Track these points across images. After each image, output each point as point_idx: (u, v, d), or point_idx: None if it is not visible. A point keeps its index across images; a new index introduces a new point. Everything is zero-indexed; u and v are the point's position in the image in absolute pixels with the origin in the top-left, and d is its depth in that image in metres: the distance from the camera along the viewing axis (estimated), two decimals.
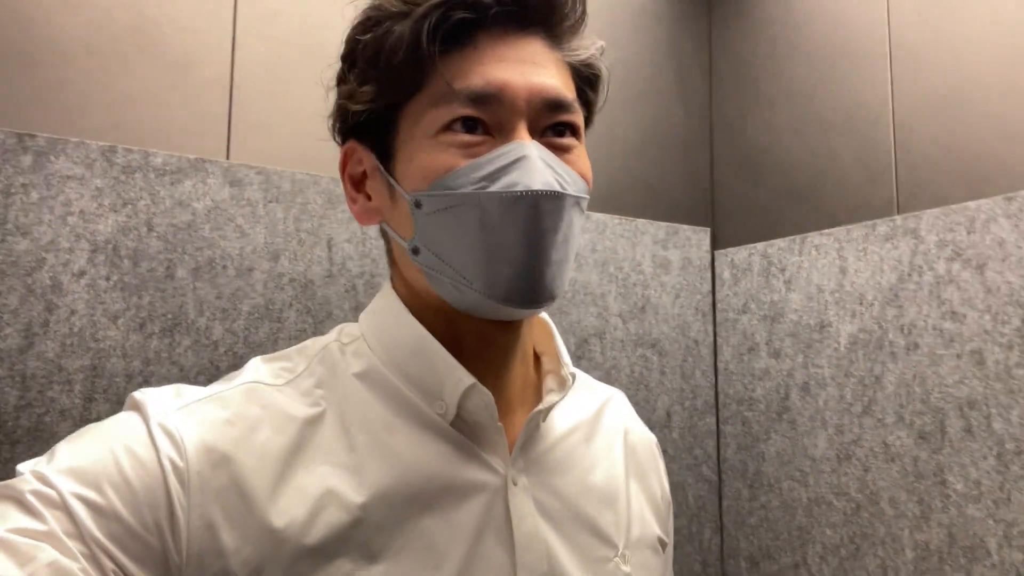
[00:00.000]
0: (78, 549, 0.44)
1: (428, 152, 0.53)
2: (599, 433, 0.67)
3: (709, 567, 1.53)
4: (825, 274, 1.41)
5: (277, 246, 1.13)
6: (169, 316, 1.04)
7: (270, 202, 1.13)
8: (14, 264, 0.96)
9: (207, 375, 1.06)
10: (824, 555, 1.37)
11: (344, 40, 0.58)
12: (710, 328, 1.61)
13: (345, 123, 0.59)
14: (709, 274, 1.62)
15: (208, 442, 0.50)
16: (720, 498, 1.57)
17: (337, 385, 0.56)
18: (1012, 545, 1.12)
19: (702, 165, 1.70)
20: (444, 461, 0.55)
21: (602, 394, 0.72)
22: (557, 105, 0.54)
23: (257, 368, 0.57)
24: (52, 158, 0.99)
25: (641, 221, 1.53)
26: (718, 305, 1.61)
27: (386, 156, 0.56)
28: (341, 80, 0.59)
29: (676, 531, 1.50)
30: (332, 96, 0.60)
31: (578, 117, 0.57)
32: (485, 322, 0.57)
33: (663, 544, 0.68)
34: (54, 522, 0.45)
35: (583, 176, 0.57)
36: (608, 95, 0.62)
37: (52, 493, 0.46)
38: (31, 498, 0.45)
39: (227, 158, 1.14)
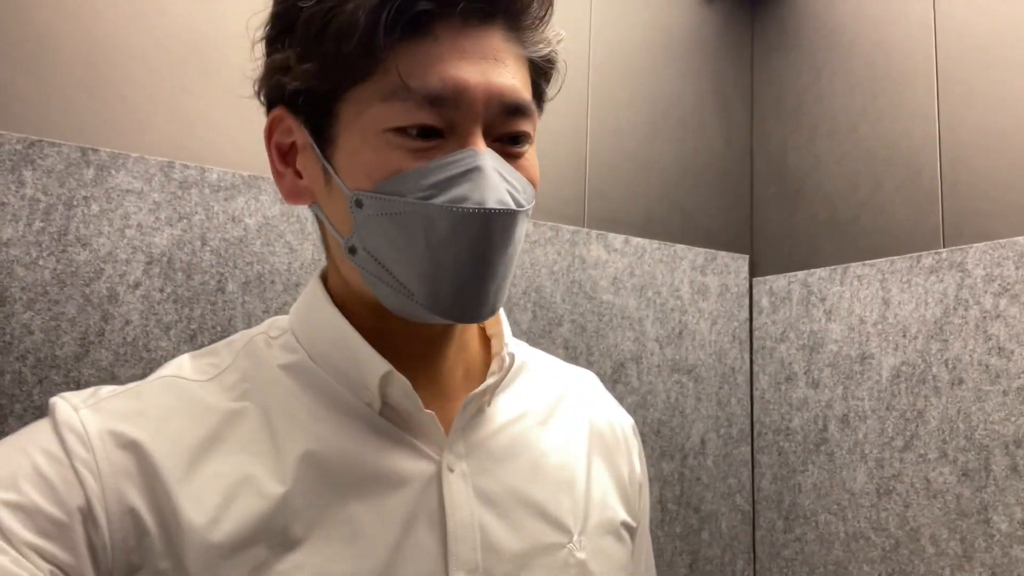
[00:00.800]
0: (9, 559, 0.43)
1: (374, 150, 0.50)
2: (556, 419, 0.64)
3: None
4: (867, 305, 1.40)
5: (324, 262, 1.15)
6: (219, 328, 1.07)
7: None
8: (74, 274, 0.99)
9: None
10: None
11: None
12: (747, 356, 1.60)
13: (275, 92, 0.54)
14: (747, 301, 1.62)
15: (114, 430, 0.49)
16: (754, 528, 1.56)
17: (262, 377, 0.55)
18: None
19: (742, 193, 1.70)
20: (372, 449, 0.53)
21: (568, 378, 0.70)
22: (515, 109, 0.52)
23: (180, 363, 0.56)
24: (113, 172, 1.02)
25: (680, 247, 1.53)
26: (755, 333, 1.61)
27: (323, 139, 0.52)
28: (271, 43, 0.53)
29: (708, 560, 1.49)
30: (258, 49, 0.55)
31: (531, 121, 0.54)
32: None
33: (629, 529, 0.65)
34: None
35: (532, 182, 0.54)
36: (561, 88, 0.58)
37: None
38: None
39: None
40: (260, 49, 0.55)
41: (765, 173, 1.68)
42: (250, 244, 1.10)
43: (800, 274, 1.53)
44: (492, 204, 0.48)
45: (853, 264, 1.43)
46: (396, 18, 0.48)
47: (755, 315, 1.61)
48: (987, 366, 1.21)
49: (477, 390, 0.57)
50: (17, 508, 0.45)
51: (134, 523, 0.47)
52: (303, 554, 0.49)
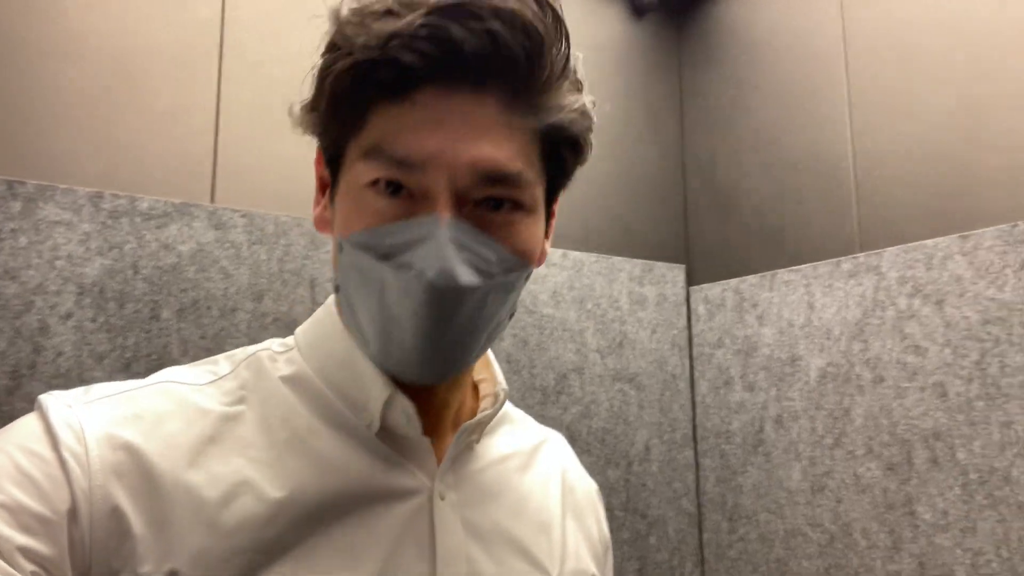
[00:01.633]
0: None
1: (353, 202, 0.52)
2: (535, 467, 0.67)
3: None
4: (795, 309, 1.45)
5: (261, 287, 1.16)
6: (154, 356, 1.07)
7: (254, 244, 1.17)
8: (3, 308, 0.99)
9: None
10: None
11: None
12: (687, 362, 1.64)
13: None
14: (684, 309, 1.66)
15: (111, 432, 0.49)
16: (700, 531, 1.59)
17: (262, 387, 0.56)
18: (980, 574, 1.15)
19: (676, 204, 1.75)
20: (367, 468, 0.54)
21: (541, 434, 0.72)
22: (495, 179, 0.50)
23: (176, 370, 0.56)
24: (41, 204, 1.02)
25: (617, 259, 1.58)
26: (694, 340, 1.65)
27: (335, 180, 0.55)
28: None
29: (657, 565, 1.52)
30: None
31: (525, 191, 0.51)
32: None
33: None
34: None
35: (520, 252, 0.52)
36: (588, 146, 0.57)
37: None
38: None
39: (212, 202, 1.18)
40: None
41: (697, 185, 1.74)
42: (184, 271, 1.11)
43: (733, 281, 1.58)
44: (431, 275, 0.47)
45: (781, 270, 1.49)
46: (377, 80, 0.48)
47: (693, 322, 1.66)
48: (904, 364, 1.27)
49: (473, 420, 0.59)
50: (1, 507, 0.44)
51: (118, 524, 0.47)
52: (293, 563, 0.50)
